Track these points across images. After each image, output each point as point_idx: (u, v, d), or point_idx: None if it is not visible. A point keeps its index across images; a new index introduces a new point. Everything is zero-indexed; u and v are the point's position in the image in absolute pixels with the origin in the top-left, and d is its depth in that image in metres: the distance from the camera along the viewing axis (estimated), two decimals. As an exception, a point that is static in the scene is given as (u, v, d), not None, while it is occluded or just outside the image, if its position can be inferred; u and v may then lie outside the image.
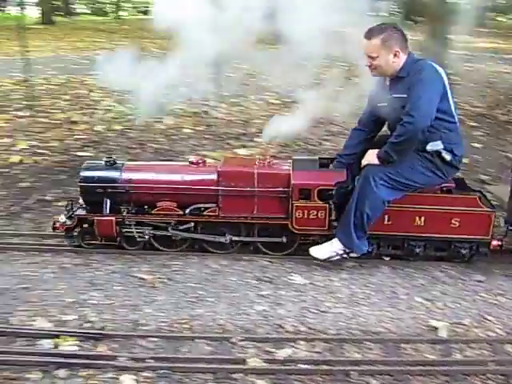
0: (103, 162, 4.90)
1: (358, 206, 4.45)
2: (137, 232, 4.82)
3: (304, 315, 3.99)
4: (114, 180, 4.80)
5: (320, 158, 5.05)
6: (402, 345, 3.74)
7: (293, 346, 3.65)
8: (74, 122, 7.77)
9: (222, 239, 4.80)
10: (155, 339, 3.69)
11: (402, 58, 4.44)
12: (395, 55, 4.41)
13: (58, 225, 4.92)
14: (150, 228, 4.85)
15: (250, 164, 4.90)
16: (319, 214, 4.67)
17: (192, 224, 4.82)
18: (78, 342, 3.64)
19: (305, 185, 4.63)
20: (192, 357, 3.53)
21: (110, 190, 4.79)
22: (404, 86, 4.38)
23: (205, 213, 4.81)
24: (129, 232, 4.85)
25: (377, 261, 4.80)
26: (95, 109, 8.56)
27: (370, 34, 4.42)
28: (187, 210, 4.83)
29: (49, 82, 11.47)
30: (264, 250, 4.90)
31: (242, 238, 4.85)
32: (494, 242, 4.71)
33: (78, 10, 35.79)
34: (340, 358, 3.59)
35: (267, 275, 4.52)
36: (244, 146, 7.13)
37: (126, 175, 4.82)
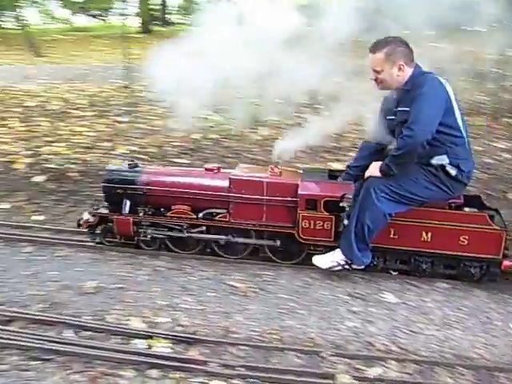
0: (126, 165, 5.22)
1: (359, 217, 4.44)
2: (152, 233, 5.07)
3: (395, 334, 3.94)
4: (133, 182, 5.09)
5: (330, 170, 5.17)
6: (496, 373, 3.62)
7: (383, 366, 3.61)
8: (172, 129, 7.96)
9: (227, 238, 4.95)
10: (245, 347, 3.74)
11: (407, 71, 4.40)
12: (399, 69, 4.37)
13: (82, 222, 5.24)
14: (166, 229, 5.08)
15: (260, 173, 5.04)
16: (325, 225, 4.74)
17: (204, 228, 5.01)
18: (170, 345, 3.75)
19: (311, 195, 4.71)
20: (282, 368, 3.55)
21: (129, 192, 5.09)
22: (408, 100, 4.33)
23: (216, 218, 4.99)
24: (144, 232, 5.08)
25: (472, 284, 4.67)
26: (192, 117, 8.72)
27: (374, 48, 4.41)
28: (200, 214, 5.04)
29: (147, 89, 11.79)
30: (272, 257, 4.99)
31: (248, 241, 4.97)
32: (506, 263, 4.57)
33: (175, 21, 36.70)
34: (431, 381, 3.51)
35: (358, 291, 4.49)
36: (338, 160, 7.08)
37: (144, 178, 5.11)
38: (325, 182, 4.84)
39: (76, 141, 7.95)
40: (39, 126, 8.87)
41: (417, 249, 4.64)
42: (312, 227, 4.75)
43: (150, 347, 3.72)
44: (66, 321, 3.96)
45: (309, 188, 4.75)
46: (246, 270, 4.76)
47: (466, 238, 4.53)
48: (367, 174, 4.57)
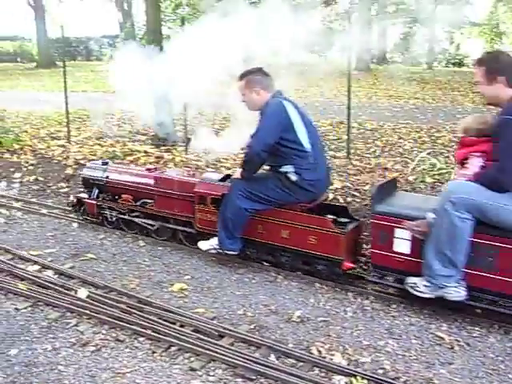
0: (101, 163, 6.98)
1: (223, 210, 5.45)
2: (116, 217, 6.63)
3: None
4: (99, 175, 6.74)
5: (227, 175, 6.13)
6: None
7: None
8: (387, 169, 7.93)
9: (152, 223, 6.36)
10: (449, 404, 3.60)
11: (264, 95, 5.39)
12: (257, 94, 5.39)
13: (69, 202, 7.19)
14: (117, 212, 6.63)
15: (175, 172, 6.44)
16: (212, 217, 5.72)
17: (139, 213, 6.47)
18: (369, 386, 3.71)
19: (202, 193, 5.82)
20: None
21: (96, 182, 6.77)
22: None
23: (147, 206, 6.36)
24: (104, 213, 6.69)
25: None
26: (407, 158, 8.63)
27: (239, 76, 5.52)
28: (138, 203, 6.46)
29: (363, 126, 11.93)
30: (184, 241, 6.15)
31: (165, 224, 6.26)
32: (347, 264, 5.11)
33: (396, 59, 36.73)
34: None
35: None
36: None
37: (106, 173, 6.74)
38: (215, 183, 5.87)
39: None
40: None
41: (278, 244, 5.42)
42: (204, 219, 5.81)
43: (349, 385, 3.73)
44: (272, 345, 4.11)
45: (202, 187, 5.87)
46: (453, 321, 4.57)
47: (314, 238, 5.20)
48: (233, 176, 5.72)
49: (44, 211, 7.34)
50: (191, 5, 27.86)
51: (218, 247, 5.53)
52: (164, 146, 9.48)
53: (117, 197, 6.65)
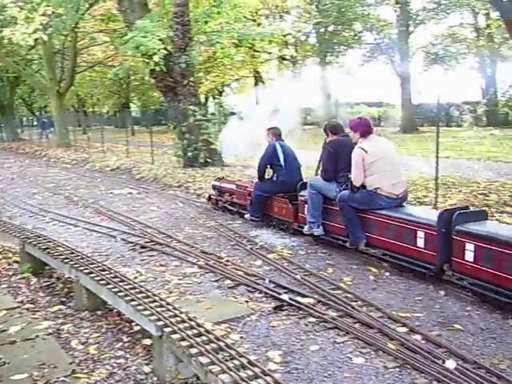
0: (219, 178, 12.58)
1: (252, 197, 10.24)
2: (222, 205, 11.86)
3: None
4: (217, 184, 12.09)
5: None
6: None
7: None
8: None
9: (233, 208, 11.61)
10: None
11: (272, 139, 10.15)
12: (271, 139, 10.21)
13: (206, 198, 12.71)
14: (222, 202, 11.90)
15: (241, 182, 12.02)
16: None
17: (230, 203, 11.55)
18: None
19: (250, 190, 10.51)
20: None
21: (216, 187, 12.13)
22: None
23: (234, 200, 11.37)
24: (221, 204, 11.91)
25: None
26: None
27: (266, 130, 10.32)
28: (232, 197, 11.60)
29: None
30: (241, 212, 11.15)
31: (239, 209, 11.41)
32: (294, 223, 9.47)
33: None
34: None
35: None
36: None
37: (219, 183, 12.07)
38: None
39: None
40: None
41: (273, 214, 10.12)
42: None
43: None
44: None
45: (250, 187, 10.63)
46: None
47: (284, 210, 9.78)
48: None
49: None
50: None
51: (249, 216, 10.18)
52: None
53: (223, 194, 11.78)
